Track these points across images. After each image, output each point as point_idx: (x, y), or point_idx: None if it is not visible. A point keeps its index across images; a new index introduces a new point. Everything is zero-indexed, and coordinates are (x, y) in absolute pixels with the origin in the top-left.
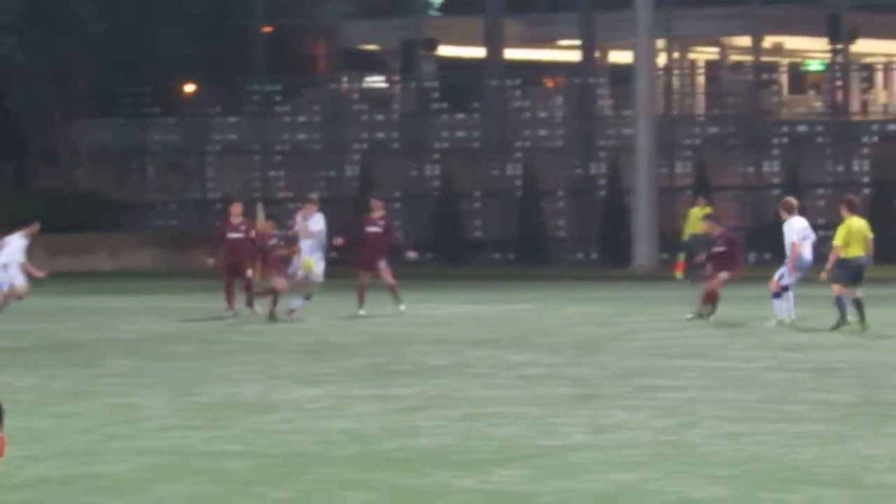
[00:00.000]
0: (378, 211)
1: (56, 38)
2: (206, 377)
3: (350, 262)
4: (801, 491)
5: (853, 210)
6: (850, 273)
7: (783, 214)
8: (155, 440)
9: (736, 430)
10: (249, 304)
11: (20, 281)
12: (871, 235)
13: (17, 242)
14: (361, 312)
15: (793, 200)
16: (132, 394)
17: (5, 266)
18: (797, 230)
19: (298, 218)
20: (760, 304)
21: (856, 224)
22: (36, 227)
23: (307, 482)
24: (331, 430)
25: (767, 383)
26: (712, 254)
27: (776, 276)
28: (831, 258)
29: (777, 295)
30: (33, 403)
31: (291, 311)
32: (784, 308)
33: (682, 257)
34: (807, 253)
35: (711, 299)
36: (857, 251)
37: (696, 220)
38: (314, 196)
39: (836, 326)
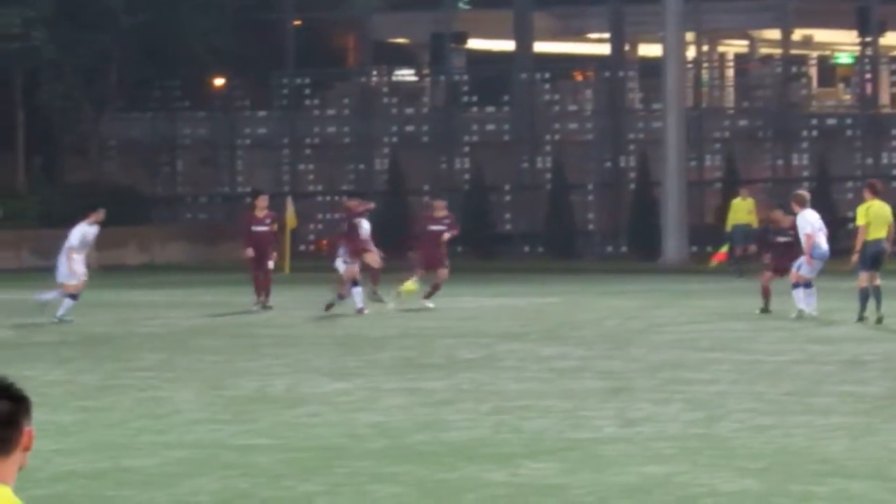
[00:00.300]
0: (441, 210)
1: (86, 32)
2: (235, 371)
3: (411, 257)
4: (829, 483)
5: (876, 193)
6: (869, 257)
7: (796, 207)
8: (184, 434)
9: (765, 423)
10: (266, 296)
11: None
12: (891, 220)
13: (78, 230)
14: (391, 306)
15: (805, 193)
16: (161, 387)
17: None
18: (811, 222)
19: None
20: (787, 297)
21: (877, 206)
22: (101, 214)
23: (336, 476)
24: (360, 423)
25: (796, 376)
26: (776, 243)
27: (794, 268)
28: (859, 239)
29: (796, 285)
30: (62, 397)
31: (330, 306)
32: (804, 298)
33: (724, 248)
34: (823, 243)
35: (766, 294)
36: (877, 233)
37: (738, 211)
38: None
39: (860, 319)
